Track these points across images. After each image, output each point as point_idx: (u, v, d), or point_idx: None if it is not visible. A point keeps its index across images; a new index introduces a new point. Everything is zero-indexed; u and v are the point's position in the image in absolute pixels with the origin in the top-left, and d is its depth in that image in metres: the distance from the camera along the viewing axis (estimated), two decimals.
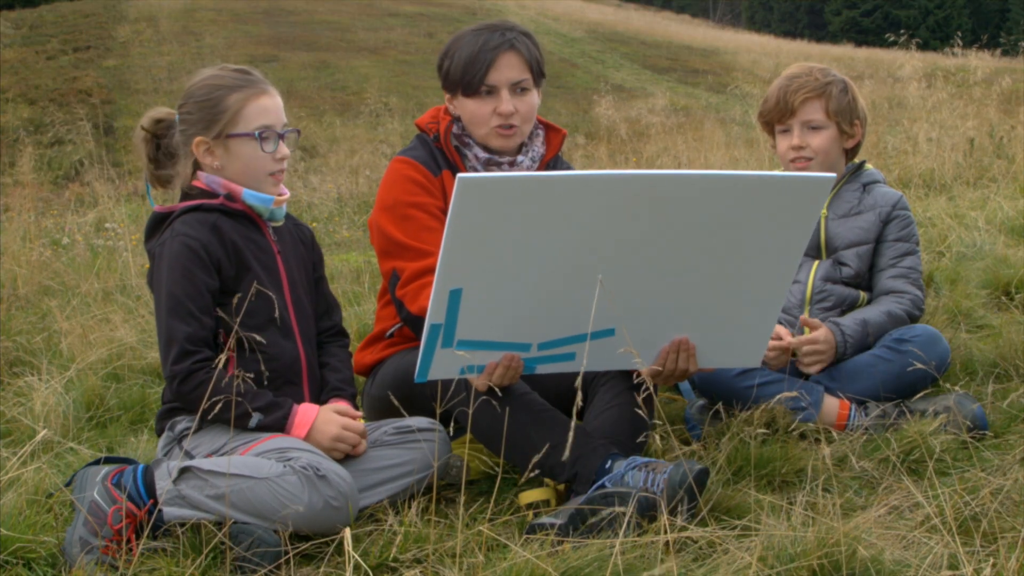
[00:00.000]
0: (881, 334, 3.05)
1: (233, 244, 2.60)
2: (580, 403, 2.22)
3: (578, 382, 2.24)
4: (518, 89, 2.90)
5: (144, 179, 2.77)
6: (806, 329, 3.10)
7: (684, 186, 2.25)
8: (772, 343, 3.01)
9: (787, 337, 3.03)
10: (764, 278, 2.43)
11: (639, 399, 2.45)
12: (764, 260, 2.39)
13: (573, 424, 2.28)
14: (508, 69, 2.87)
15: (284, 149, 2.65)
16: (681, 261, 2.35)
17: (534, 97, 2.94)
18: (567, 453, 2.32)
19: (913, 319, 3.12)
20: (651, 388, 2.40)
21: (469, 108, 2.93)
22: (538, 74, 2.94)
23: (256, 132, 2.60)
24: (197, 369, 2.46)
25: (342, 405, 2.64)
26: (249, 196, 2.64)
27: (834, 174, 2.38)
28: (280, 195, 2.70)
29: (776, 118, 3.23)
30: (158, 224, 2.63)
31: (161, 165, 2.71)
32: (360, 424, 2.60)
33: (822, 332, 3.00)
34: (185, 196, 2.66)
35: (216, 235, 2.57)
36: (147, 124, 2.70)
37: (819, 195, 2.32)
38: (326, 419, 2.56)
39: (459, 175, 2.09)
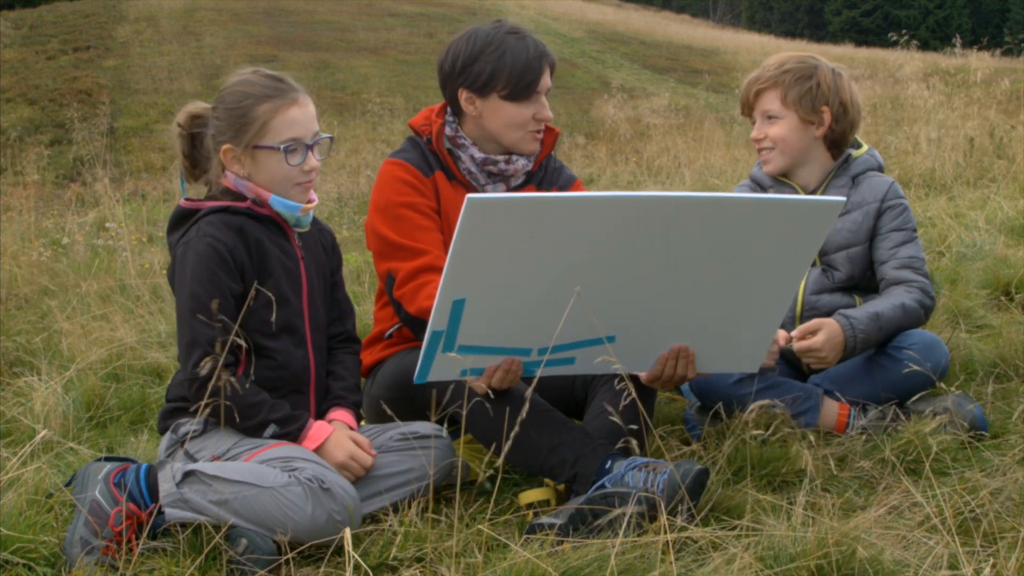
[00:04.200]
0: (894, 329, 2.95)
1: (259, 248, 2.57)
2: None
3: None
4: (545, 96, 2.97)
5: (179, 173, 2.73)
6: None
7: (691, 209, 2.24)
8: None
9: (782, 340, 2.89)
10: (767, 295, 2.43)
11: (638, 403, 2.45)
12: (768, 278, 2.39)
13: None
14: (548, 77, 2.94)
15: (312, 161, 2.61)
16: (684, 278, 2.34)
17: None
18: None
19: (926, 308, 3.02)
20: (654, 390, 2.39)
21: (508, 112, 2.91)
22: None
23: (282, 146, 2.56)
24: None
25: (353, 423, 2.64)
26: (276, 203, 2.60)
27: (843, 198, 2.32)
28: (308, 202, 2.67)
29: (745, 113, 3.22)
30: (183, 219, 2.61)
31: (196, 161, 2.68)
32: (368, 459, 2.56)
33: (820, 338, 2.86)
34: (212, 195, 2.64)
35: (242, 239, 2.55)
36: (183, 120, 2.66)
37: (827, 219, 2.30)
38: (337, 443, 2.54)
39: (468, 196, 2.09)
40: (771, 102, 3.11)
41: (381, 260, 2.89)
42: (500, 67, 2.87)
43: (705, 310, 2.44)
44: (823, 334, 2.87)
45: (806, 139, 3.12)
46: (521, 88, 2.88)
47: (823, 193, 3.14)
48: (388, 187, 2.91)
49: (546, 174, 3.08)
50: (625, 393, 2.37)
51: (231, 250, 2.52)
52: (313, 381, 2.68)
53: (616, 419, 2.42)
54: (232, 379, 2.41)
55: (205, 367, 2.43)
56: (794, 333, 2.89)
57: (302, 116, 2.58)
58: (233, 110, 2.57)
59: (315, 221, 2.79)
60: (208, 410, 2.42)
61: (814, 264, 3.15)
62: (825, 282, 3.11)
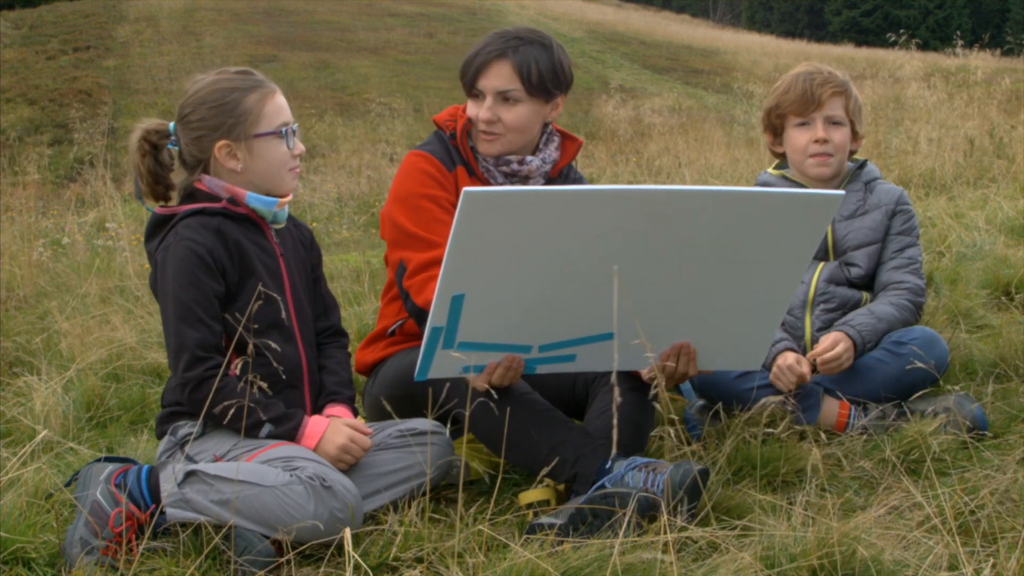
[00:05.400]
0: (892, 325, 3.04)
1: (238, 247, 2.58)
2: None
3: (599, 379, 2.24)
4: (506, 98, 2.89)
5: (136, 192, 2.71)
6: (806, 340, 3.12)
7: (690, 202, 2.23)
8: (791, 371, 2.92)
9: (804, 366, 2.95)
10: (768, 288, 2.43)
11: (650, 396, 2.45)
12: (769, 272, 2.39)
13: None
14: (496, 78, 2.88)
15: (300, 145, 2.68)
16: (685, 272, 2.34)
17: (525, 108, 2.90)
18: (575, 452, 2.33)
19: (916, 305, 3.12)
20: (661, 387, 2.39)
21: (469, 106, 2.97)
22: (536, 87, 2.88)
23: (281, 130, 2.62)
24: (209, 376, 2.44)
25: (351, 418, 2.64)
26: (252, 199, 2.62)
27: (843, 192, 2.38)
28: (284, 197, 2.70)
29: (798, 110, 3.18)
30: (159, 226, 2.61)
31: (159, 178, 2.67)
32: (367, 440, 2.58)
33: (829, 341, 2.95)
34: (187, 198, 2.65)
35: (220, 239, 2.55)
36: (148, 137, 2.66)
37: (827, 212, 2.31)
38: (335, 429, 2.55)
39: (465, 189, 2.09)
40: (839, 108, 3.20)
41: (394, 249, 2.89)
42: (463, 62, 2.96)
43: (706, 305, 2.44)
44: (829, 340, 2.97)
45: (848, 152, 3.25)
46: (464, 83, 2.94)
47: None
48: (410, 178, 2.91)
49: (565, 183, 3.06)
50: (653, 385, 2.39)
51: (211, 251, 2.52)
52: (306, 375, 2.69)
53: (643, 413, 2.45)
54: (254, 378, 2.42)
55: (197, 370, 2.44)
56: (808, 356, 2.98)
57: (284, 103, 2.66)
58: (220, 107, 2.58)
59: (291, 218, 2.81)
60: (217, 416, 2.42)
61: (829, 260, 3.21)
62: (840, 275, 3.19)
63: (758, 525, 2.28)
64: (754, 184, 3.40)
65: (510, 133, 2.92)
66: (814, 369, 3.04)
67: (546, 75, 2.89)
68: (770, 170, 3.34)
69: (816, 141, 3.16)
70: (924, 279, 3.20)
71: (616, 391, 2.27)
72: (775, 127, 3.28)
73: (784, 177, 3.27)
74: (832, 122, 3.17)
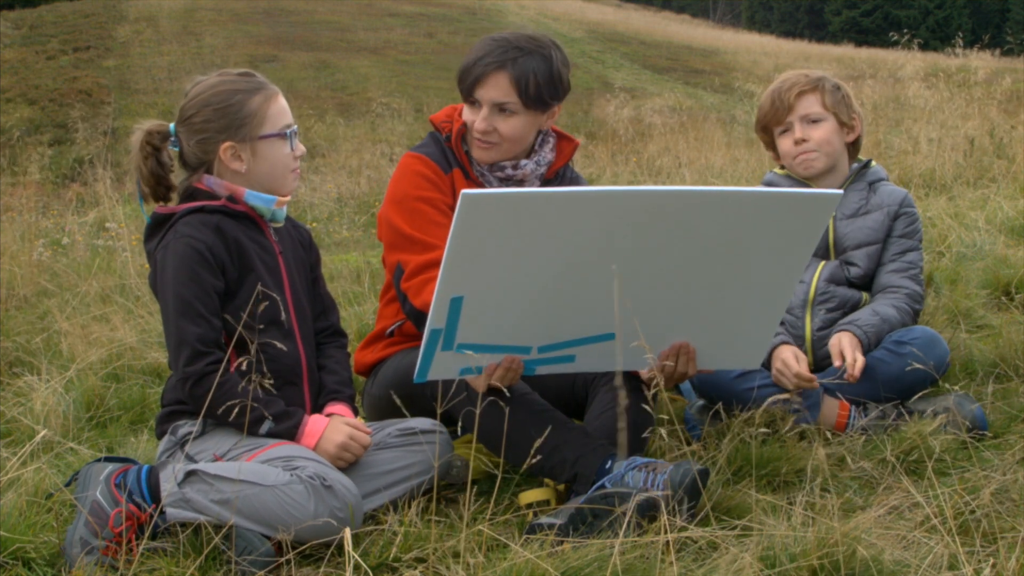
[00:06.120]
0: (893, 328, 3.04)
1: (237, 244, 2.59)
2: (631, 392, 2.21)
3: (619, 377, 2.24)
4: (502, 110, 2.88)
5: (139, 194, 2.71)
6: (806, 340, 3.13)
7: (687, 202, 2.23)
8: (791, 371, 2.92)
9: (803, 364, 2.94)
10: (767, 288, 2.43)
11: (650, 395, 2.45)
12: (768, 271, 2.39)
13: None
14: (493, 89, 2.86)
15: (301, 146, 2.70)
16: (684, 272, 2.34)
17: (521, 120, 2.89)
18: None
19: (914, 311, 3.12)
20: (660, 387, 2.39)
21: (465, 111, 2.96)
22: (533, 99, 2.85)
23: (286, 131, 2.64)
24: (210, 371, 2.44)
25: (352, 417, 2.65)
26: (251, 197, 2.64)
27: (841, 191, 2.39)
28: (283, 196, 2.70)
29: (774, 120, 3.24)
30: (159, 225, 2.62)
31: (160, 179, 2.67)
32: (366, 438, 2.59)
33: (837, 345, 2.96)
34: (187, 198, 2.65)
35: (219, 236, 2.56)
36: (150, 139, 2.65)
37: (826, 211, 2.31)
38: (334, 428, 2.56)
39: (463, 191, 2.09)
40: (814, 105, 3.20)
41: (392, 251, 2.89)
42: (459, 68, 2.94)
43: (706, 305, 2.44)
44: (837, 347, 2.96)
45: (842, 144, 3.24)
46: (461, 90, 2.92)
47: (843, 197, 3.20)
48: (406, 180, 2.91)
49: (562, 184, 3.06)
50: (653, 383, 2.39)
51: (210, 248, 2.53)
52: (305, 374, 2.70)
53: (645, 409, 2.45)
54: (257, 376, 2.42)
55: (198, 365, 2.45)
56: (836, 363, 2.96)
57: (285, 104, 2.68)
58: (225, 108, 2.59)
59: (289, 219, 2.82)
60: (207, 409, 2.43)
61: (830, 259, 3.21)
62: (841, 275, 3.19)
63: (758, 525, 2.28)
64: (760, 184, 3.41)
65: (506, 143, 2.92)
66: (817, 369, 3.04)
67: (544, 87, 2.86)
68: (776, 169, 3.36)
69: (795, 143, 3.19)
70: (923, 285, 3.20)
71: (621, 394, 2.28)
72: (768, 143, 3.34)
73: (789, 176, 3.28)
74: (809, 121, 3.19)
